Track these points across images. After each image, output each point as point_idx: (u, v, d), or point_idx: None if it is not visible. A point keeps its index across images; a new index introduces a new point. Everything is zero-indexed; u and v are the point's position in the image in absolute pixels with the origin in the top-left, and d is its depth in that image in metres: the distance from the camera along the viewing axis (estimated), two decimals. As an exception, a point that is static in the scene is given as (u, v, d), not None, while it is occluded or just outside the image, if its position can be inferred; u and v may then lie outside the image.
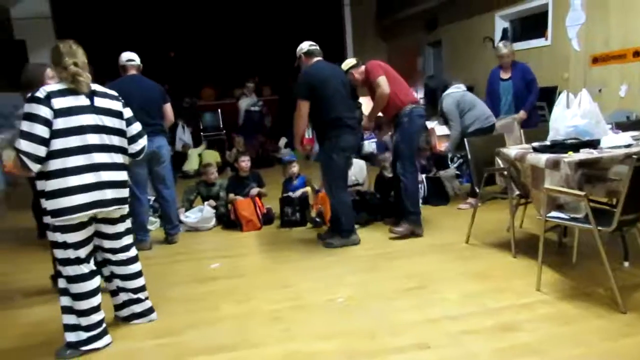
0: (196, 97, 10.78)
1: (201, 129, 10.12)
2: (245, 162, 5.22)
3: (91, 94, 2.70)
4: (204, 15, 11.30)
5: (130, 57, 4.50)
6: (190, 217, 5.09)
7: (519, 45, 7.39)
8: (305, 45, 4.27)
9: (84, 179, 2.60)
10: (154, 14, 11.02)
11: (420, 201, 5.25)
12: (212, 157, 8.23)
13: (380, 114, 4.46)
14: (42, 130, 2.51)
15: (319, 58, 4.26)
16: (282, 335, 2.81)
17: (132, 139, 2.90)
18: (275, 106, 10.41)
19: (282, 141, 9.55)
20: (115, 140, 2.77)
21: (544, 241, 3.13)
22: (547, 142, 3.55)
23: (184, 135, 9.39)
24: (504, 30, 7.69)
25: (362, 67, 4.37)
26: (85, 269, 2.70)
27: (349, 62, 4.46)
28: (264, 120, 9.79)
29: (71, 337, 2.70)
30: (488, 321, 2.81)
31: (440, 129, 5.23)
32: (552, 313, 2.86)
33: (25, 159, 2.49)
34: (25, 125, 2.50)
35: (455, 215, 4.98)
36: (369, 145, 8.15)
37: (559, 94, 5.91)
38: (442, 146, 5.21)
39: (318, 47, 4.30)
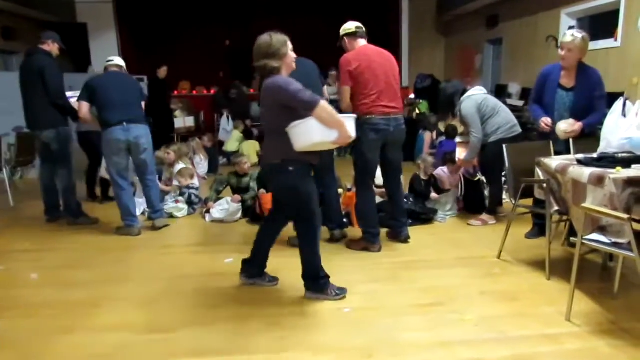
0: (247, 86, 10.75)
1: (249, 118, 10.10)
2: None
3: None
4: (260, 4, 11.28)
5: (109, 58, 4.84)
6: (217, 209, 5.01)
7: (586, 46, 6.83)
8: None
9: None
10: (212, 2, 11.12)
11: (448, 212, 4.92)
12: (252, 147, 8.14)
13: None
14: None
15: None
16: (276, 343, 2.64)
17: None
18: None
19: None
20: None
21: (582, 264, 2.82)
22: (594, 155, 3.16)
23: (227, 125, 9.38)
24: (570, 29, 7.10)
25: (358, 42, 3.89)
26: None
27: (347, 27, 3.95)
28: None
29: None
30: (504, 351, 2.52)
31: (459, 137, 4.79)
32: (579, 349, 2.52)
33: None
34: None
35: (492, 226, 4.61)
36: None
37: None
38: (462, 154, 4.71)
39: None
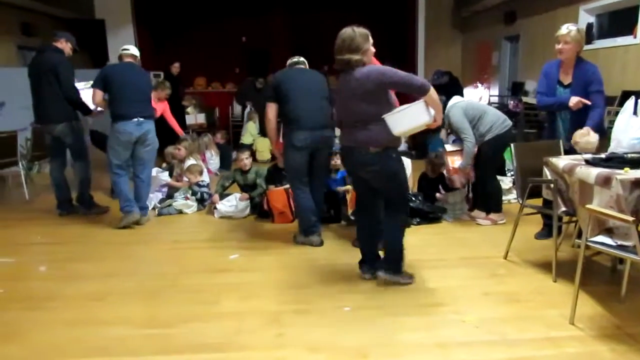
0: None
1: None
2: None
3: None
4: (277, 0, 11.30)
5: (124, 47, 4.89)
6: (225, 205, 5.03)
7: (604, 43, 6.66)
8: (289, 60, 4.33)
9: None
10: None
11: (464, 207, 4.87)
12: (266, 144, 8.15)
13: None
14: None
15: (299, 67, 4.28)
16: (273, 340, 2.65)
17: None
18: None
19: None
20: None
21: (590, 267, 2.76)
22: (603, 155, 3.09)
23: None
24: (589, 26, 6.93)
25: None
26: None
27: None
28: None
29: None
30: (502, 353, 2.48)
31: (449, 146, 4.72)
32: (581, 353, 2.47)
33: None
34: None
35: (500, 226, 4.53)
36: None
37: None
38: (455, 163, 4.62)
39: (300, 59, 4.29)
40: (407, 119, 2.94)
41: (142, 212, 4.81)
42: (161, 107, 6.30)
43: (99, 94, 4.56)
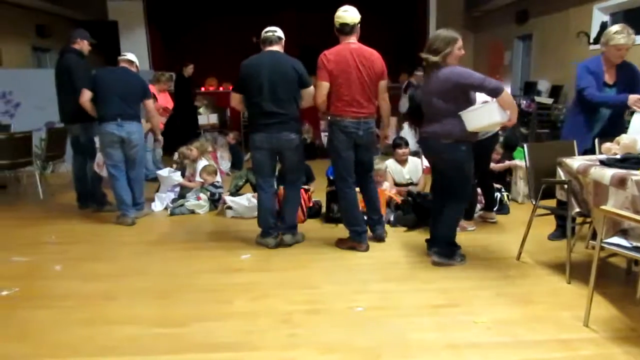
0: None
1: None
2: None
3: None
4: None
5: (122, 54, 5.09)
6: (239, 204, 5.05)
7: (619, 42, 6.59)
8: (263, 33, 3.98)
9: None
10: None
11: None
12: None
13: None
14: None
15: (271, 48, 3.93)
16: (286, 340, 2.65)
17: None
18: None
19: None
20: None
21: (605, 268, 2.73)
22: (619, 155, 3.05)
23: None
24: (603, 25, 6.87)
25: (347, 38, 3.79)
26: None
27: (340, 19, 3.81)
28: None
29: None
30: (514, 355, 2.46)
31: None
32: (594, 355, 2.44)
33: None
34: None
35: (513, 227, 4.50)
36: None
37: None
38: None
39: (274, 34, 3.93)
40: (479, 117, 3.28)
41: (135, 208, 4.93)
42: (163, 99, 6.40)
43: (86, 93, 4.68)
